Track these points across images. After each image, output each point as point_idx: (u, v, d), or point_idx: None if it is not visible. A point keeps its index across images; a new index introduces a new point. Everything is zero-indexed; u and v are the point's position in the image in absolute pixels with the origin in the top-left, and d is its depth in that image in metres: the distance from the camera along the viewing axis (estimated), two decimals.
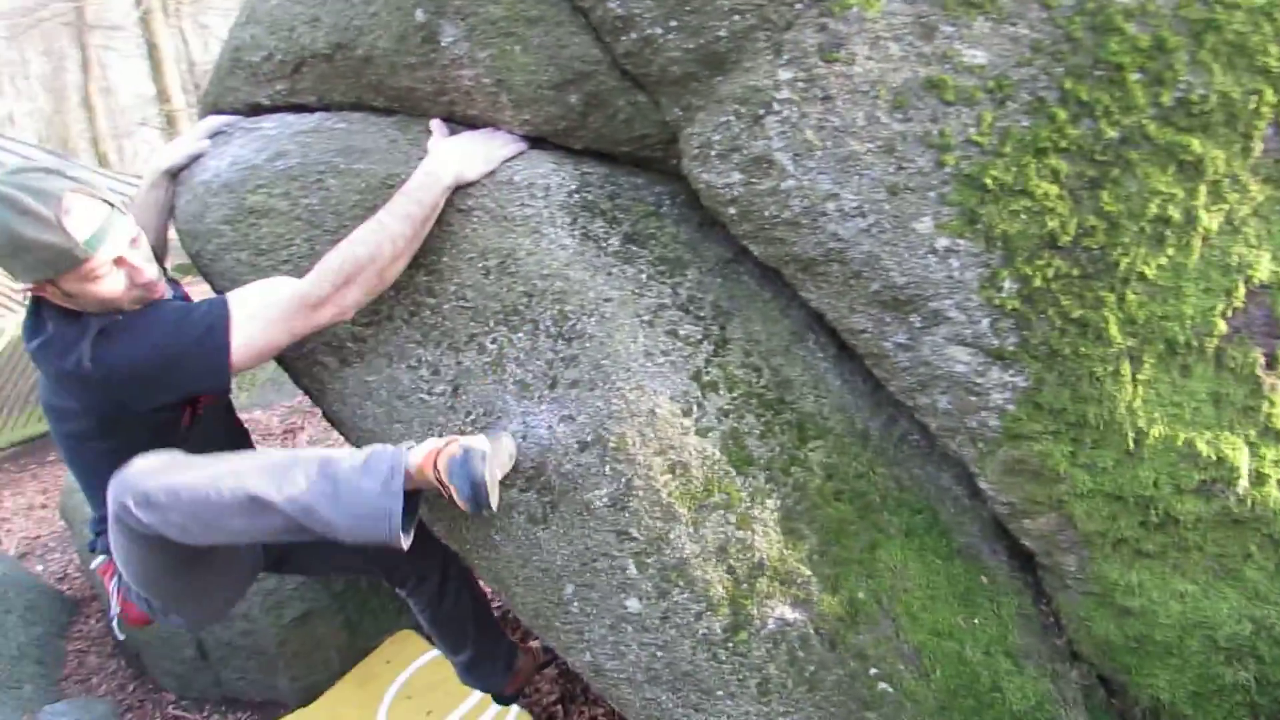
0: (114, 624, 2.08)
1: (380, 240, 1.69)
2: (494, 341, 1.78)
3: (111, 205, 1.68)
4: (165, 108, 14.25)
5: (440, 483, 1.60)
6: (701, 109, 1.69)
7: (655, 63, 1.66)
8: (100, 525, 1.97)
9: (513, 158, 1.86)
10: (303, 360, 1.96)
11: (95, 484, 1.91)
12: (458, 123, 1.91)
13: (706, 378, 1.73)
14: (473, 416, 1.77)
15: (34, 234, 1.58)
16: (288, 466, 1.60)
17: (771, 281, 1.84)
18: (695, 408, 1.70)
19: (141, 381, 1.68)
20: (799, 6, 1.57)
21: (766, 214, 1.67)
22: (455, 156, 1.80)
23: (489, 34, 1.73)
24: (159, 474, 1.59)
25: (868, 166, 1.58)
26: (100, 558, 2.06)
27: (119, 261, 1.67)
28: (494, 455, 1.62)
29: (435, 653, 2.83)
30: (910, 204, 1.57)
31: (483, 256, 1.80)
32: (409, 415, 1.84)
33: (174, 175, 2.09)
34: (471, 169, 1.81)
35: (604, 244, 1.80)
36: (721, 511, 1.66)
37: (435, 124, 1.89)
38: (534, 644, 2.79)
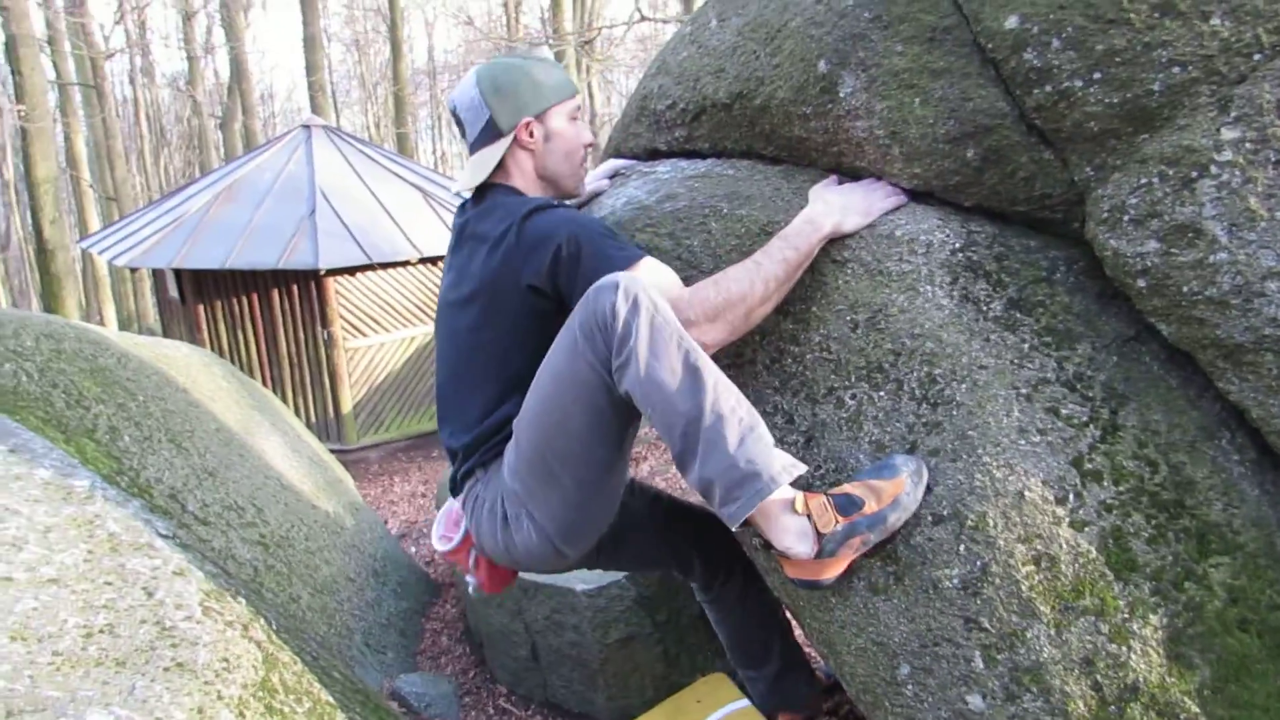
0: (471, 590, 2.19)
1: (754, 279, 1.70)
2: (853, 397, 1.73)
3: None
4: None
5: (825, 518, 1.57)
6: (1118, 169, 1.53)
7: (1070, 117, 1.53)
8: (463, 461, 1.95)
9: (895, 211, 1.81)
10: None
11: (466, 390, 1.91)
12: (844, 174, 1.90)
13: (1089, 465, 1.55)
14: (823, 471, 1.73)
15: (544, 71, 1.96)
16: (736, 391, 1.59)
17: (1180, 367, 1.61)
18: (1072, 496, 1.52)
19: (544, 249, 1.74)
20: (1257, 58, 1.37)
21: (1186, 289, 1.46)
22: (836, 206, 1.79)
23: (889, 85, 1.70)
24: (658, 293, 1.62)
25: None
26: (455, 539, 2.04)
27: (577, 115, 1.99)
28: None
29: (745, 702, 2.80)
30: None
31: (852, 309, 1.76)
32: None
33: None
34: (850, 220, 1.79)
35: (985, 308, 1.68)
36: (1092, 618, 1.47)
37: (829, 178, 1.88)
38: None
